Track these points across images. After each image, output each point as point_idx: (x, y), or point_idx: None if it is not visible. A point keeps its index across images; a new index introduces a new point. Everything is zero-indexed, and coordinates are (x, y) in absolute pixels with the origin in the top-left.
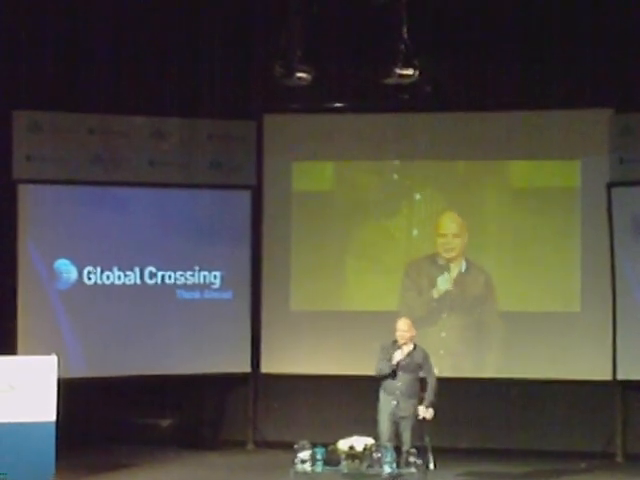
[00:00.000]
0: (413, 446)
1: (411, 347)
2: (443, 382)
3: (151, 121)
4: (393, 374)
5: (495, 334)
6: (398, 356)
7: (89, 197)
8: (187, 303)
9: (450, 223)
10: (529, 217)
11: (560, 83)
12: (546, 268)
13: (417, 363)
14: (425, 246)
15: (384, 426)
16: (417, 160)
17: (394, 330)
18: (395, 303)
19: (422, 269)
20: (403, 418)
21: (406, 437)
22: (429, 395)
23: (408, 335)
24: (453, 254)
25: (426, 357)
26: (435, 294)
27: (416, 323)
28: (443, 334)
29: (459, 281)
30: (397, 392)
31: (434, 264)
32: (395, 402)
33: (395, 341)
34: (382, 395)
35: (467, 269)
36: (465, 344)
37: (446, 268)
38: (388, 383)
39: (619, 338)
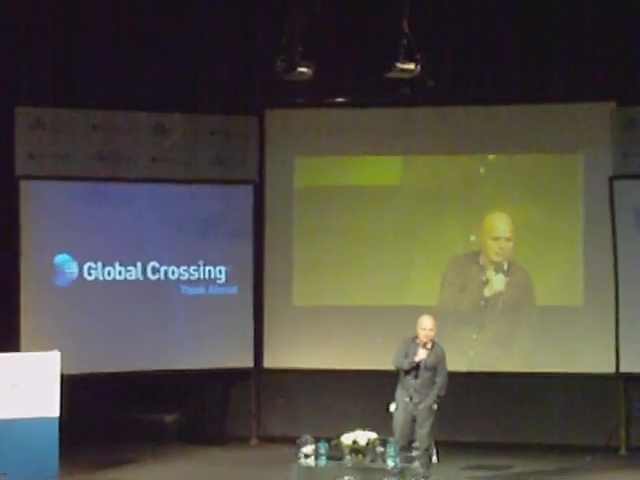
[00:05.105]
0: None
1: (430, 345)
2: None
3: (153, 117)
4: (412, 370)
5: (528, 330)
6: (422, 355)
7: (91, 193)
8: (191, 299)
9: (502, 226)
10: (531, 211)
11: (562, 77)
12: (549, 262)
13: (435, 362)
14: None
15: (398, 421)
16: (419, 155)
17: (416, 326)
18: (396, 298)
19: (464, 268)
20: (418, 414)
21: (422, 434)
22: (433, 393)
23: (433, 334)
24: (504, 257)
25: (443, 356)
26: (487, 293)
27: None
28: (474, 335)
29: (507, 282)
30: (412, 389)
31: (476, 264)
32: (408, 398)
33: (415, 337)
34: (398, 390)
35: (509, 269)
36: (497, 343)
37: (496, 269)
38: (405, 379)
39: (622, 331)
